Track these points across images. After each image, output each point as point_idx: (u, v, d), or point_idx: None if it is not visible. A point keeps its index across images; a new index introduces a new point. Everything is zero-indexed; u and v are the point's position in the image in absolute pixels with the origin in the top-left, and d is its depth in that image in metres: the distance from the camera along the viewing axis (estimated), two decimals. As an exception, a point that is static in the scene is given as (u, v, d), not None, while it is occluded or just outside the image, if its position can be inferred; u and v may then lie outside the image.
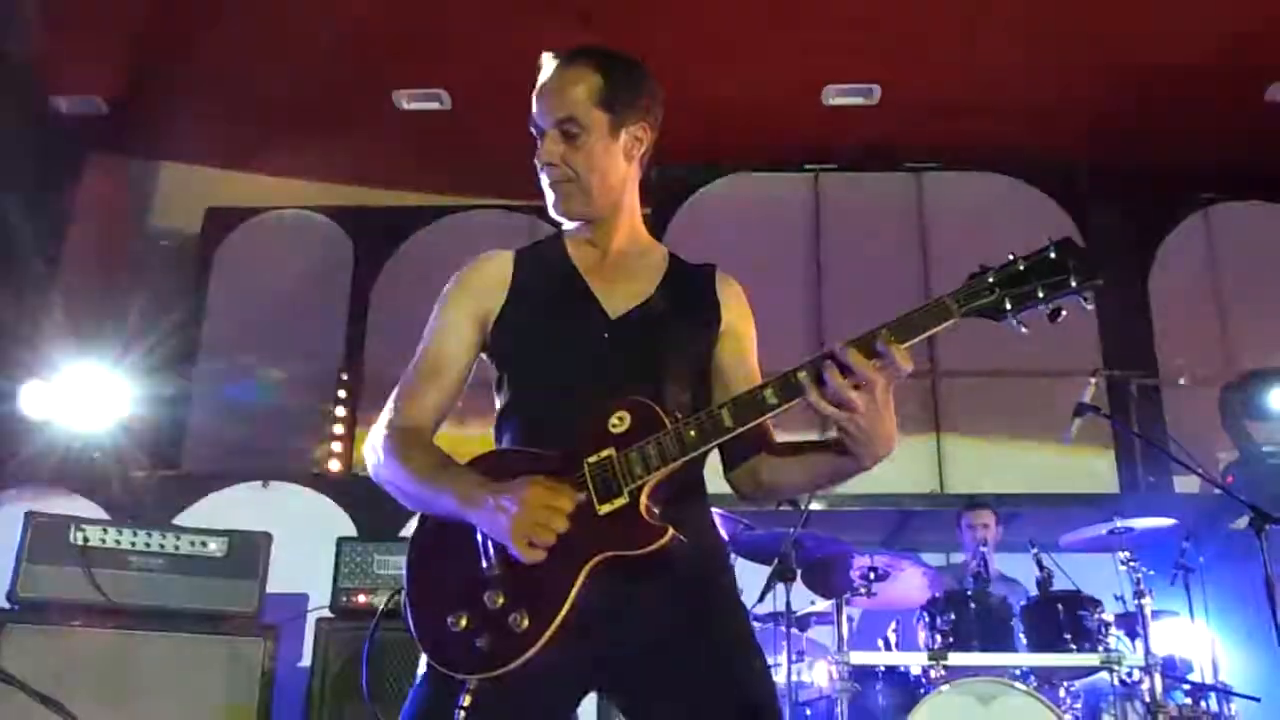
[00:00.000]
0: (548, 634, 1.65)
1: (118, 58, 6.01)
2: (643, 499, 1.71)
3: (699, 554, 1.83)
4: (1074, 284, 1.61)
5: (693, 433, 1.72)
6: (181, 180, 7.13)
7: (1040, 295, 1.63)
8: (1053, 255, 1.63)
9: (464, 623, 1.71)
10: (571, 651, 1.68)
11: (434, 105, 6.44)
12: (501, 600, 1.70)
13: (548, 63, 2.00)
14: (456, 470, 1.83)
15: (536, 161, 1.99)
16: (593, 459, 1.75)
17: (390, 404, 1.97)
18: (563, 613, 1.66)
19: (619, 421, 1.76)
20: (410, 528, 1.89)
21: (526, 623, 1.67)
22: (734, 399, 1.75)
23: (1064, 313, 1.64)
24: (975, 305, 1.65)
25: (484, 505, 1.72)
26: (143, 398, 6.07)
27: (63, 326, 6.18)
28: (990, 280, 1.65)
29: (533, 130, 1.99)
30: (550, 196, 2.00)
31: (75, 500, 5.94)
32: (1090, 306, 1.63)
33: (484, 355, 2.03)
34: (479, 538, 1.75)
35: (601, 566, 1.69)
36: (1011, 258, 1.65)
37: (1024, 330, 1.66)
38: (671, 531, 1.68)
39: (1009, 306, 1.64)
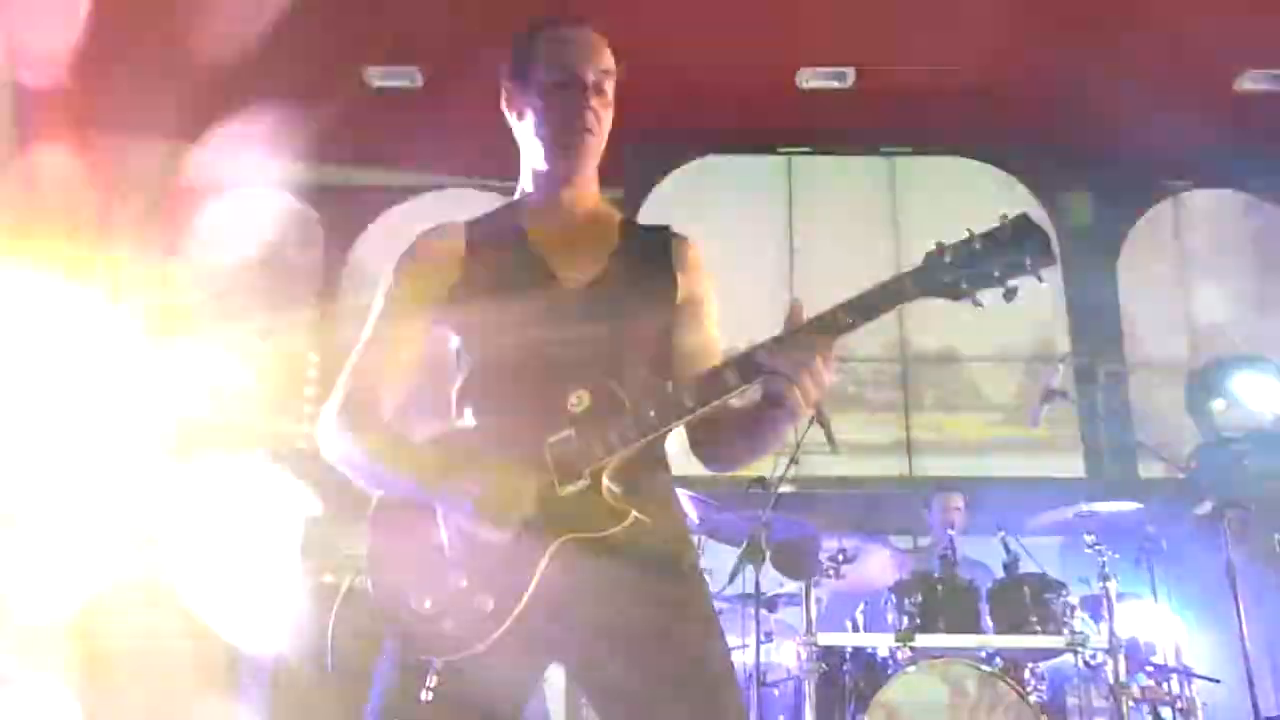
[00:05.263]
0: (512, 617, 1.66)
1: (78, 28, 5.89)
2: (604, 480, 1.71)
3: (661, 534, 1.82)
4: (1028, 263, 1.63)
5: (652, 413, 1.72)
6: (145, 156, 7.02)
7: (996, 275, 1.64)
8: (1008, 234, 1.65)
9: (428, 605, 1.70)
10: (537, 631, 1.69)
11: (405, 83, 6.38)
12: (465, 583, 1.70)
13: (558, 22, 1.99)
14: (415, 452, 1.81)
15: (559, 109, 1.93)
16: (553, 439, 1.73)
17: (341, 382, 1.93)
18: (526, 595, 1.67)
19: (578, 401, 1.75)
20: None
21: (491, 605, 1.67)
22: (694, 379, 1.74)
23: (1020, 291, 1.66)
24: (932, 285, 1.67)
25: (446, 488, 1.71)
26: (107, 375, 5.99)
27: (25, 302, 6.08)
28: (947, 260, 1.66)
29: (555, 76, 1.94)
30: (568, 147, 1.95)
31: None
32: (1044, 284, 1.65)
33: (439, 328, 1.99)
34: (440, 519, 1.73)
35: (564, 548, 1.69)
36: (968, 234, 1.67)
37: (984, 303, 1.67)
38: (634, 514, 1.68)
39: (965, 286, 1.66)
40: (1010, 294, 1.65)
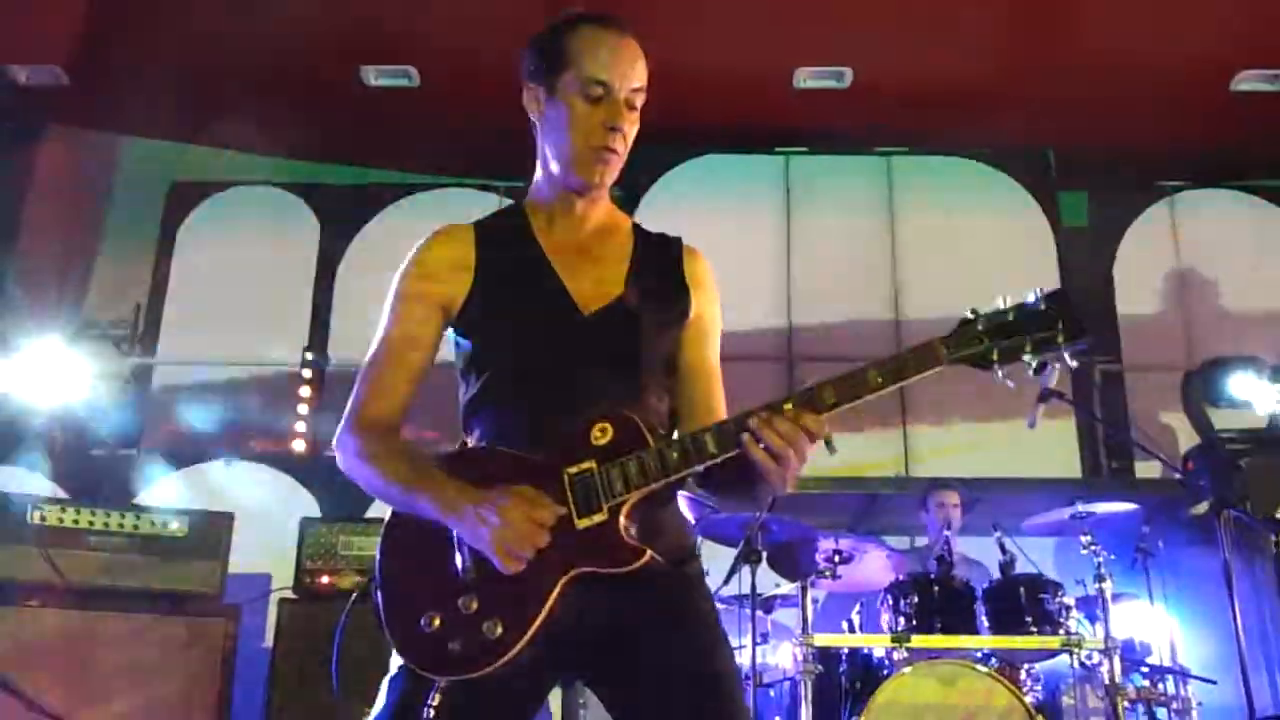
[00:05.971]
0: (520, 644, 1.66)
1: (78, 26, 5.88)
2: (622, 517, 1.70)
3: (674, 569, 1.82)
4: (1060, 341, 1.62)
5: (675, 455, 1.71)
6: (144, 154, 7.01)
7: (1027, 349, 1.64)
8: (1041, 308, 1.64)
9: (436, 623, 1.70)
10: (544, 657, 1.69)
11: (403, 82, 6.36)
12: (475, 606, 1.69)
13: (599, 23, 1.89)
14: (433, 474, 1.79)
15: (588, 124, 1.85)
16: (573, 470, 1.72)
17: (354, 397, 1.90)
18: (536, 624, 1.66)
19: (601, 434, 1.74)
20: (375, 509, 1.87)
21: (500, 631, 1.66)
22: (719, 425, 1.73)
23: (1049, 367, 1.65)
24: (964, 354, 1.66)
25: (464, 514, 1.70)
26: (103, 374, 5.99)
27: (20, 301, 6.08)
28: (980, 329, 1.66)
29: (590, 89, 1.84)
30: (592, 165, 1.87)
31: (33, 478, 5.86)
32: (1075, 364, 1.65)
33: (450, 333, 1.96)
34: (455, 540, 1.72)
35: (577, 580, 1.68)
36: (1001, 305, 1.66)
37: (1010, 384, 1.67)
38: (650, 554, 1.68)
39: (996, 357, 1.65)
40: (1039, 370, 1.64)
